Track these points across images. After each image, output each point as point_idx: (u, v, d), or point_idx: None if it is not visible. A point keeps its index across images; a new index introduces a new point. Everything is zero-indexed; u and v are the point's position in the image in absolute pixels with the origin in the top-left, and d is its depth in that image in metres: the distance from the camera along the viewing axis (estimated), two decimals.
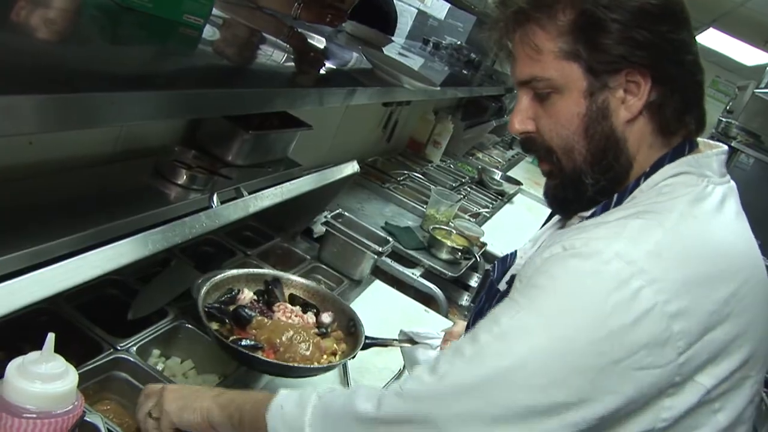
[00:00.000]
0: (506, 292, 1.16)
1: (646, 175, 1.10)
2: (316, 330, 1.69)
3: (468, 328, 1.29)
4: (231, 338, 1.52)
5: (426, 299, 2.57)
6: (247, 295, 1.68)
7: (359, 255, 2.34)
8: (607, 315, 0.94)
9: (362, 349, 1.68)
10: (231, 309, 1.61)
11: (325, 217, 2.37)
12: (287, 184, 1.88)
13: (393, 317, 2.26)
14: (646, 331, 0.94)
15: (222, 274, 1.67)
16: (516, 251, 1.32)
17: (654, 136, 1.11)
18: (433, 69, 3.52)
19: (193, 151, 1.72)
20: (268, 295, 1.76)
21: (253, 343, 1.52)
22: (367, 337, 1.70)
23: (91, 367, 1.38)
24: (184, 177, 1.61)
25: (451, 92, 3.24)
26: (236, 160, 1.86)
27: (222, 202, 1.57)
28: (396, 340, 1.73)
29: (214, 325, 1.54)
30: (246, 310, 1.60)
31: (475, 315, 1.27)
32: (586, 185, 1.12)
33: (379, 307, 2.28)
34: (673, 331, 0.95)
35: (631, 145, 1.10)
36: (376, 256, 2.36)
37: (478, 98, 4.86)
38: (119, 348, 1.47)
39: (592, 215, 1.12)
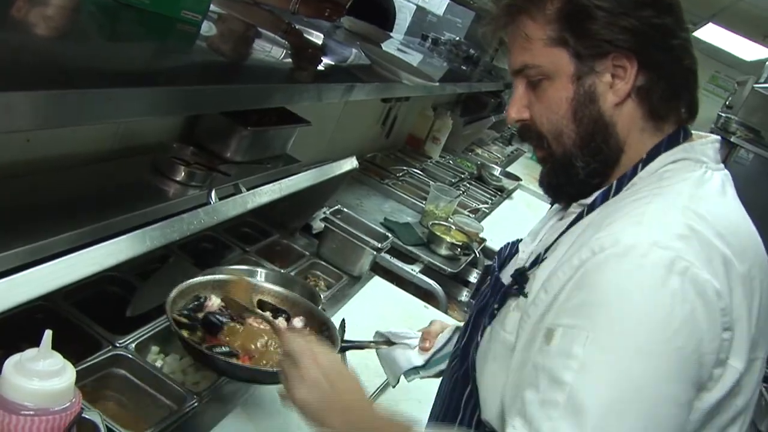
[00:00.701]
0: (511, 288, 1.17)
1: (644, 162, 1.11)
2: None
3: (468, 324, 1.29)
4: (204, 346, 1.46)
5: (425, 295, 2.57)
6: (215, 301, 1.62)
7: (358, 251, 2.34)
8: (669, 306, 0.94)
9: (339, 352, 1.63)
10: (200, 316, 1.55)
11: (324, 213, 2.37)
12: (286, 180, 1.88)
13: (392, 313, 2.26)
14: (704, 312, 0.95)
15: (186, 283, 1.59)
16: (515, 242, 1.32)
17: (644, 120, 1.12)
18: (431, 65, 3.52)
19: (191, 148, 1.72)
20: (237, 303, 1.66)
21: (228, 349, 1.47)
22: (343, 341, 1.67)
23: (89, 364, 1.38)
24: (182, 173, 1.61)
25: (450, 88, 3.24)
26: (234, 156, 1.86)
27: (220, 199, 1.57)
28: (373, 342, 1.69)
29: (185, 333, 1.47)
30: (217, 316, 1.55)
31: (479, 311, 1.26)
32: (577, 168, 1.13)
33: (379, 304, 2.28)
34: (720, 308, 0.97)
35: (621, 129, 1.11)
36: (375, 252, 2.36)
37: (477, 94, 4.86)
38: (118, 345, 1.47)
39: (593, 203, 1.13)
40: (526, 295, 1.12)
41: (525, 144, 5.36)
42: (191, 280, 1.58)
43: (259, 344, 1.50)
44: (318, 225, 2.42)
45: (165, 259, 1.83)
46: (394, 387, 1.66)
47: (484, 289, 1.31)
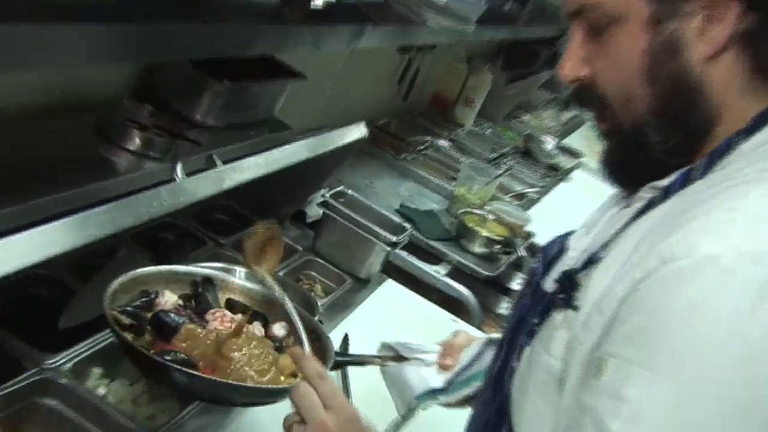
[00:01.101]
0: (557, 296, 1.15)
1: (747, 132, 1.07)
2: (270, 344, 1.65)
3: (503, 344, 1.28)
4: (152, 351, 1.46)
5: (453, 306, 2.57)
6: (169, 298, 1.63)
7: (367, 246, 2.34)
8: (757, 342, 0.91)
9: (332, 369, 1.63)
10: (150, 315, 1.55)
11: (323, 196, 2.37)
12: (274, 151, 1.88)
13: (409, 328, 2.26)
14: None
15: (131, 273, 1.59)
16: (565, 236, 1.29)
17: (748, 78, 1.07)
18: (465, 2, 3.49)
19: (149, 107, 1.71)
20: (197, 300, 1.70)
21: (183, 357, 1.45)
22: (337, 353, 1.67)
23: (7, 391, 1.37)
24: (137, 140, 1.60)
25: (490, 33, 3.22)
26: (206, 119, 1.85)
27: (188, 174, 1.57)
28: (376, 356, 1.68)
29: (128, 336, 1.47)
30: (171, 315, 1.54)
31: (516, 326, 1.25)
32: (652, 144, 1.09)
33: (392, 315, 2.29)
34: None
35: (714, 91, 1.07)
36: (388, 248, 2.36)
37: (525, 42, 4.83)
38: (47, 366, 1.46)
39: (670, 187, 1.10)
40: (575, 308, 1.09)
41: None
42: (139, 270, 1.60)
43: (235, 351, 1.50)
44: (314, 212, 2.43)
45: (113, 253, 1.83)
46: (403, 417, 1.65)
47: (522, 297, 1.31)
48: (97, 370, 1.58)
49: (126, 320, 1.49)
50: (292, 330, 1.69)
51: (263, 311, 1.73)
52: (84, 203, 1.34)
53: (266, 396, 1.53)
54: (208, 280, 1.75)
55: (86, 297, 1.65)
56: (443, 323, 2.40)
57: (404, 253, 2.63)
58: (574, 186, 4.30)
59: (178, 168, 1.55)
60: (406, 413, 1.63)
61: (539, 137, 4.58)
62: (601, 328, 1.02)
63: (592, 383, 1.00)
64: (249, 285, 1.77)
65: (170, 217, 1.91)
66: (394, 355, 1.65)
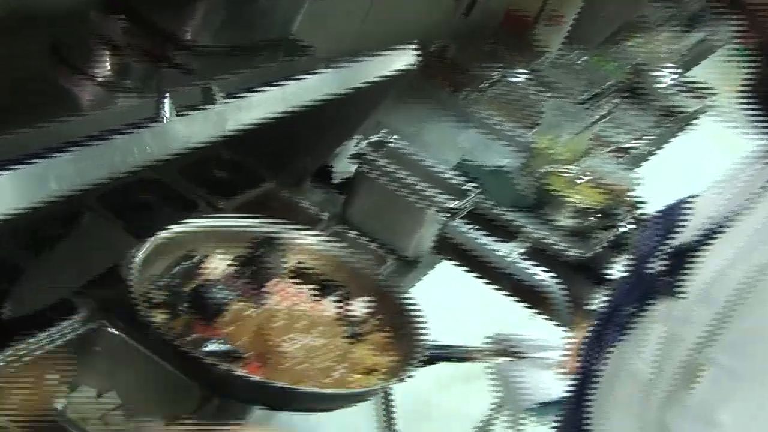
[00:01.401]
0: (660, 279, 1.16)
1: None
2: (342, 329, 1.71)
3: (591, 347, 1.29)
4: (188, 338, 1.52)
5: (531, 297, 2.58)
6: (218, 265, 1.71)
7: (415, 215, 2.35)
8: None
9: (424, 364, 1.67)
10: (189, 289, 1.63)
11: (357, 146, 2.40)
12: (291, 84, 1.88)
13: (471, 323, 2.24)
14: None
15: (172, 230, 1.67)
16: (684, 201, 1.29)
17: None
18: None
19: (124, 21, 1.70)
20: (257, 266, 1.76)
21: (225, 347, 1.52)
22: (432, 346, 1.70)
23: None
24: (108, 65, 1.60)
25: None
26: (200, 38, 1.84)
27: (178, 113, 1.54)
28: (482, 350, 1.72)
29: (159, 317, 1.55)
30: (216, 291, 1.61)
31: (609, 314, 1.27)
32: None
33: (447, 309, 2.27)
34: None
35: None
36: (444, 218, 2.37)
37: None
38: None
39: None
40: (678, 296, 1.10)
41: (721, 27, 5.26)
42: (182, 226, 1.68)
43: (287, 341, 1.56)
44: (345, 168, 2.45)
45: (74, 218, 1.84)
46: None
47: (622, 282, 1.34)
48: (52, 376, 1.59)
49: (158, 296, 1.56)
50: (377, 308, 1.77)
51: (340, 281, 1.79)
52: (37, 150, 1.30)
53: (328, 402, 1.60)
54: (270, 240, 1.81)
55: (38, 279, 1.67)
56: (516, 319, 2.41)
57: (465, 226, 2.63)
58: (699, 136, 4.26)
59: (166, 103, 1.52)
60: (513, 425, 1.67)
61: (652, 69, 4.54)
62: (706, 323, 1.03)
63: (681, 397, 1.01)
64: (325, 244, 1.84)
65: (152, 171, 1.92)
66: (502, 349, 1.70)
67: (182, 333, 1.55)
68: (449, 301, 2.31)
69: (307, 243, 1.85)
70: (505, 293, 2.53)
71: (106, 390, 1.66)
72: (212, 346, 1.51)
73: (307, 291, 1.77)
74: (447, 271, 2.48)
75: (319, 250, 1.86)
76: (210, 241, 1.74)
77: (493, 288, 2.53)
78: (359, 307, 1.78)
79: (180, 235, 1.70)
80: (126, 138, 1.44)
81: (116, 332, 1.67)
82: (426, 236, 2.40)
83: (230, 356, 1.52)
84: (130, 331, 1.66)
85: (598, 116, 3.53)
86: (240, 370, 1.50)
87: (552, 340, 1.67)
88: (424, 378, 1.70)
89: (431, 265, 2.44)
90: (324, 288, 1.80)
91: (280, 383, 1.51)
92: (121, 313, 1.66)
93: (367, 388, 1.63)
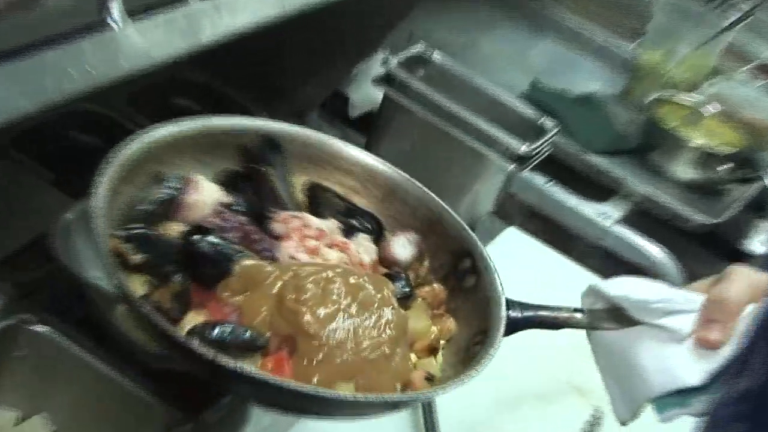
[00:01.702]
0: None
1: None
2: (387, 289, 1.41)
3: (753, 351, 1.09)
4: (190, 325, 1.25)
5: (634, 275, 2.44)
6: (207, 193, 1.42)
7: (467, 164, 2.22)
8: None
9: (507, 333, 1.42)
10: (171, 236, 1.34)
11: (384, 63, 2.21)
12: None
13: None
14: None
15: (142, 139, 1.38)
16: None
17: None
18: None
19: None
20: (257, 189, 1.48)
21: (246, 335, 1.24)
22: (516, 305, 1.45)
23: None
24: None
25: None
26: None
27: (131, 15, 1.33)
28: (582, 310, 1.47)
29: (139, 286, 1.28)
30: (215, 237, 1.32)
31: None
32: None
33: (515, 292, 2.06)
34: None
35: None
36: (509, 167, 2.19)
37: None
38: None
39: None
40: None
41: None
42: (150, 133, 1.41)
43: (316, 325, 1.27)
44: (364, 97, 2.40)
45: None
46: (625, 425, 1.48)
47: None
48: None
49: (133, 255, 1.29)
50: (426, 245, 1.53)
51: (371, 208, 1.56)
52: None
53: (389, 408, 1.40)
54: (271, 142, 1.53)
55: None
56: None
57: (540, 178, 2.44)
58: None
59: (114, 5, 1.29)
60: (628, 419, 1.43)
61: None
62: None
63: None
64: (350, 152, 1.59)
65: (95, 100, 1.83)
66: (613, 312, 1.45)
67: (174, 310, 1.27)
68: (517, 283, 2.04)
69: (322, 148, 1.58)
70: (595, 273, 2.28)
71: (32, 412, 1.57)
72: (226, 333, 1.22)
73: (331, 225, 1.49)
74: (514, 241, 2.34)
75: (339, 157, 1.58)
76: (186, 155, 1.46)
77: (580, 266, 2.35)
78: (400, 247, 1.51)
79: (149, 148, 1.40)
80: (58, 53, 1.25)
81: (44, 330, 1.53)
82: (484, 193, 2.25)
83: (246, 345, 1.24)
84: (65, 329, 1.53)
85: (732, 19, 3.19)
86: (288, 381, 1.21)
87: (683, 301, 1.39)
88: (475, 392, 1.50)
89: (492, 233, 2.31)
90: (348, 218, 1.54)
91: (348, 395, 1.24)
92: (53, 303, 1.55)
93: (433, 390, 1.36)
